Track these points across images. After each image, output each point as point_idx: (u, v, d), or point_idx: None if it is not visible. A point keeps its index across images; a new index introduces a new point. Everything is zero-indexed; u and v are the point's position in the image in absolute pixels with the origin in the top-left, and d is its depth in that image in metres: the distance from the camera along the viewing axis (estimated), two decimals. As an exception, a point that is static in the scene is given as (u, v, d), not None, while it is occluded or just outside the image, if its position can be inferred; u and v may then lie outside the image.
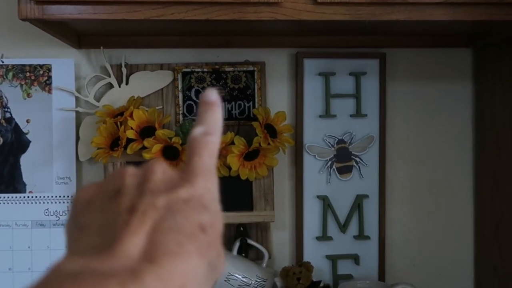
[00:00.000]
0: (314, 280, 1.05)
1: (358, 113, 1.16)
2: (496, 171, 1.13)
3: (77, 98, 1.11)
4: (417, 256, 1.21)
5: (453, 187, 1.21)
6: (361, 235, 1.17)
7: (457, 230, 1.22)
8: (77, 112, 1.11)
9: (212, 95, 0.38)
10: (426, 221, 1.21)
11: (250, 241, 1.12)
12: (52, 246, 1.10)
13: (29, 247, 1.09)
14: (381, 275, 1.18)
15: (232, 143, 1.03)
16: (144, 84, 1.11)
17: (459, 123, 1.21)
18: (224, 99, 1.13)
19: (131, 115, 1.02)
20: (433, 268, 1.21)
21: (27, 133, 1.10)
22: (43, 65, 1.10)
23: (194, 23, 0.98)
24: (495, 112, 1.14)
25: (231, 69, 1.13)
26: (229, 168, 1.03)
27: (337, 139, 1.16)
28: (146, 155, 1.01)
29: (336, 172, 1.16)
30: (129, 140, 1.01)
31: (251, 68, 1.13)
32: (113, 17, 0.82)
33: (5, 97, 1.10)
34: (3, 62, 1.09)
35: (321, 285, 1.04)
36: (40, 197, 1.10)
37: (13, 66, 1.09)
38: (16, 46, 1.11)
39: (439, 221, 1.21)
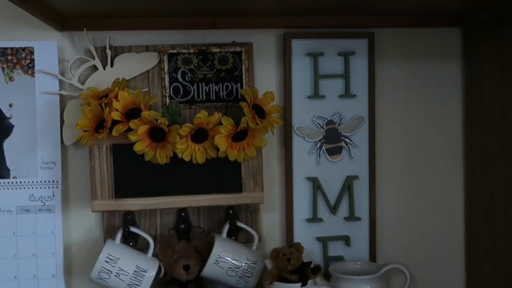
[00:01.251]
0: (305, 261, 1.04)
1: (347, 94, 1.15)
2: (485, 151, 1.13)
3: (60, 81, 1.08)
4: (408, 237, 1.20)
5: (443, 167, 1.21)
6: (351, 217, 1.16)
7: (447, 211, 1.21)
8: (61, 95, 1.09)
9: None
10: (417, 201, 1.20)
11: (239, 224, 1.10)
12: (38, 231, 1.08)
13: (14, 233, 1.07)
14: (372, 256, 1.17)
15: (220, 123, 1.01)
16: (129, 66, 1.09)
17: (449, 103, 1.20)
18: (211, 80, 1.11)
19: (116, 97, 1.00)
20: (424, 249, 1.21)
21: (10, 118, 1.08)
22: (25, 47, 1.08)
23: (178, 2, 0.96)
24: (484, 92, 1.13)
25: (218, 50, 1.11)
26: (217, 150, 1.02)
27: (326, 120, 1.15)
28: (132, 137, 0.99)
29: (326, 153, 1.15)
30: (115, 122, 0.99)
31: (238, 49, 1.11)
32: (94, -7, 0.80)
33: (-13, 81, 1.07)
34: (-16, 45, 1.07)
35: (312, 265, 1.03)
36: (24, 182, 1.08)
37: (-6, 49, 1.07)
38: (-3, 28, 1.08)
39: (430, 201, 1.21)
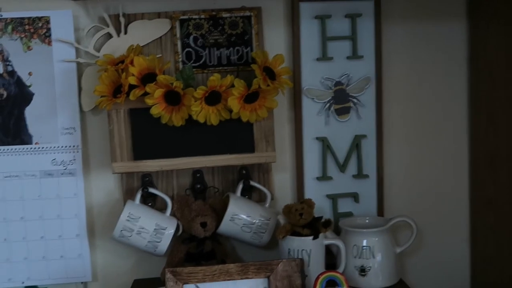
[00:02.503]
0: (316, 216, 1.09)
1: (354, 55, 1.18)
2: (490, 105, 1.16)
3: (77, 49, 1.12)
4: (414, 192, 1.25)
5: (449, 124, 1.24)
6: (360, 174, 1.20)
7: (452, 166, 1.25)
8: (78, 63, 1.12)
9: None
10: (423, 158, 1.24)
11: (252, 183, 1.15)
12: (61, 194, 1.13)
13: (39, 196, 1.13)
14: (380, 212, 1.22)
15: (232, 86, 1.04)
16: (142, 33, 1.12)
17: (454, 62, 1.23)
18: (222, 45, 1.14)
19: (131, 63, 1.03)
20: (430, 203, 1.25)
21: (30, 86, 1.12)
22: (42, 17, 1.11)
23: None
24: (489, 49, 1.15)
25: (228, 15, 1.14)
26: (230, 111, 1.05)
27: (334, 81, 1.18)
28: (149, 101, 1.03)
29: (335, 114, 1.19)
30: (131, 87, 1.03)
31: (247, 13, 1.14)
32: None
33: (6, 50, 1.11)
34: (1, 15, 1.10)
35: (323, 220, 1.08)
36: (46, 147, 1.13)
37: (11, 19, 1.10)
38: (13, -1, 1.11)
39: (435, 157, 1.24)
